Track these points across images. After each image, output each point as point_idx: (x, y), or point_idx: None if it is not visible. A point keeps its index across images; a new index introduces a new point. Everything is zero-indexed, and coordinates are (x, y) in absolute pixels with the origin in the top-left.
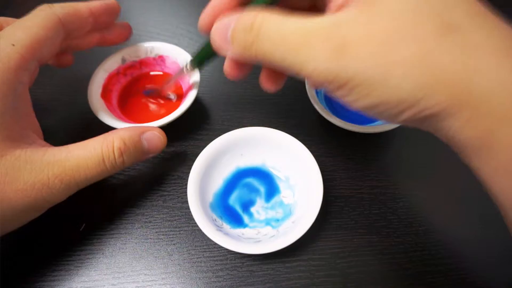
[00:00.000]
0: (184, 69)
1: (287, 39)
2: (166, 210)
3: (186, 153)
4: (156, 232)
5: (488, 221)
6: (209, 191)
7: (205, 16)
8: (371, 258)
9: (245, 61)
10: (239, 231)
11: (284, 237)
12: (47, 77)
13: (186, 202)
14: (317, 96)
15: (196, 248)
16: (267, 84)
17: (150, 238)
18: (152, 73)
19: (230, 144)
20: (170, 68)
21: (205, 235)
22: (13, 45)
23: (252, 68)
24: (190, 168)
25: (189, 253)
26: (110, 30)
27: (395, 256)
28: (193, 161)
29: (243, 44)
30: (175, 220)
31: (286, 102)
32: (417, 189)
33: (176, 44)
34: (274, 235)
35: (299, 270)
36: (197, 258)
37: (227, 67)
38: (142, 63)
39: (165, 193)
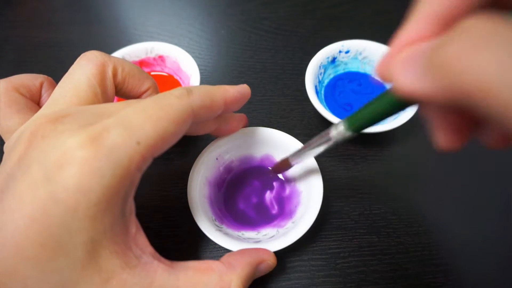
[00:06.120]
0: (334, 133)
1: None
2: (166, 210)
3: (186, 153)
4: (156, 232)
5: (488, 221)
6: (209, 191)
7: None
8: (371, 258)
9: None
10: (239, 231)
11: (284, 237)
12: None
13: (186, 202)
14: (317, 96)
15: (196, 248)
16: (449, 141)
17: (150, 239)
18: (152, 73)
19: (230, 145)
20: (170, 68)
21: (205, 235)
22: (138, 143)
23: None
24: (190, 168)
25: (189, 254)
26: (228, 121)
27: (395, 256)
28: (193, 161)
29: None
30: (175, 220)
31: (286, 102)
32: (417, 189)
33: (176, 44)
34: (274, 235)
35: (299, 270)
36: (197, 258)
37: (440, 136)
38: (142, 63)
39: (165, 193)
